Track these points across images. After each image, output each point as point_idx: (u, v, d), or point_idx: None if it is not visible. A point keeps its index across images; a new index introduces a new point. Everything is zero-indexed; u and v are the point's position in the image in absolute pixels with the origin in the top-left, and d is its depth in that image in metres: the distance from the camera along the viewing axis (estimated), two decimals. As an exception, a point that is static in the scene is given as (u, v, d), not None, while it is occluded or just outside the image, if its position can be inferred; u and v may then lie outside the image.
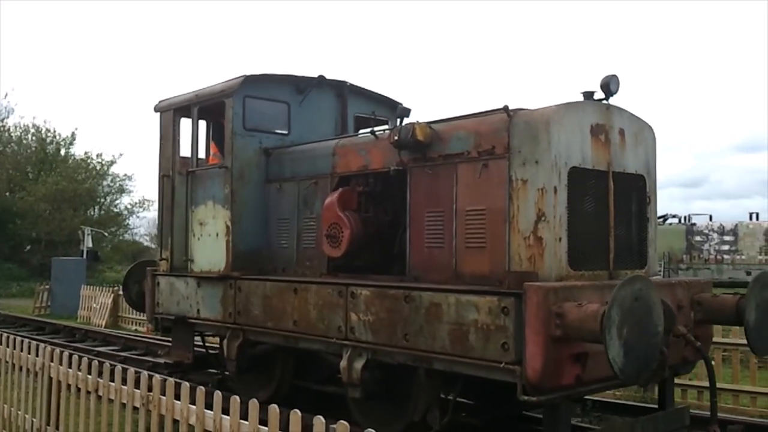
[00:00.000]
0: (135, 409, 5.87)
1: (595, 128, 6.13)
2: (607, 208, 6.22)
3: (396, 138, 6.73)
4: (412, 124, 6.64)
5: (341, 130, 9.26)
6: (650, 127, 6.74)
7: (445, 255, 6.46)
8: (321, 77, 8.94)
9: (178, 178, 9.48)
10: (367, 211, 7.44)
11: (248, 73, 8.40)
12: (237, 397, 4.73)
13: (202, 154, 9.66)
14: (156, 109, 9.74)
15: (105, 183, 43.69)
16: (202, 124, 9.95)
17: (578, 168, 5.96)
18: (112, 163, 43.18)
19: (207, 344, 9.91)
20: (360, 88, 9.44)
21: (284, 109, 8.88)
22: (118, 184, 44.09)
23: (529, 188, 5.85)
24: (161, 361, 9.18)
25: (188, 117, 9.53)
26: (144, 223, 56.31)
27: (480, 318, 5.58)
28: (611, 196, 6.24)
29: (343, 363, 6.71)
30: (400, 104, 9.82)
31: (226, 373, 9.19)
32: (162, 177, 9.47)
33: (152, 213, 45.08)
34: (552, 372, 5.23)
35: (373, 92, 9.61)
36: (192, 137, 9.08)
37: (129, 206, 44.52)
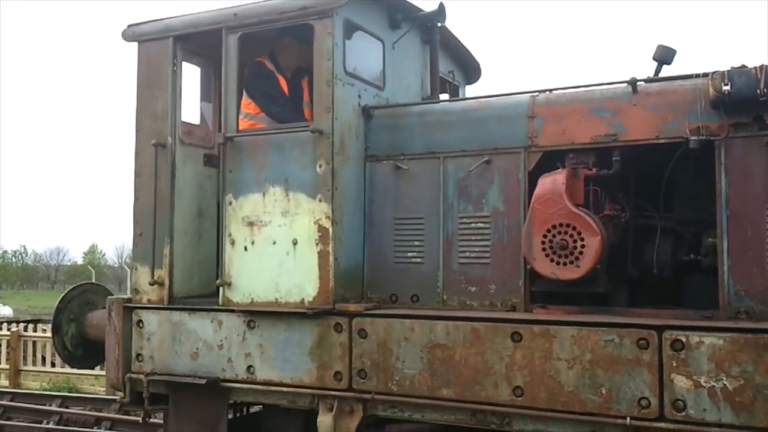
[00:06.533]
0: None
1: None
2: None
3: (726, 88, 4.19)
4: (761, 67, 4.15)
5: (429, 92, 6.35)
6: None
7: (820, 277, 4.08)
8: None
9: (182, 151, 5.84)
10: (602, 207, 4.76)
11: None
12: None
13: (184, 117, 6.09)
14: (131, 37, 5.95)
15: None
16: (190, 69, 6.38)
17: None
18: None
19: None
20: (451, 34, 6.59)
21: (378, 51, 5.76)
22: None
23: None
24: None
25: (198, 53, 5.98)
26: None
27: None
28: None
29: (656, 460, 3.99)
30: (478, 65, 7.16)
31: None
32: (155, 146, 5.71)
33: None
34: None
35: (462, 45, 6.80)
36: (224, 83, 5.50)
37: None
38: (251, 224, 5.31)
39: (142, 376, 5.66)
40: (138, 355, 5.71)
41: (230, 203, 5.40)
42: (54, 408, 10.57)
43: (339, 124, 5.13)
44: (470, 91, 7.30)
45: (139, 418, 9.47)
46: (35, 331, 14.33)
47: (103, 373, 12.25)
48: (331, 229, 5.02)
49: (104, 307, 6.12)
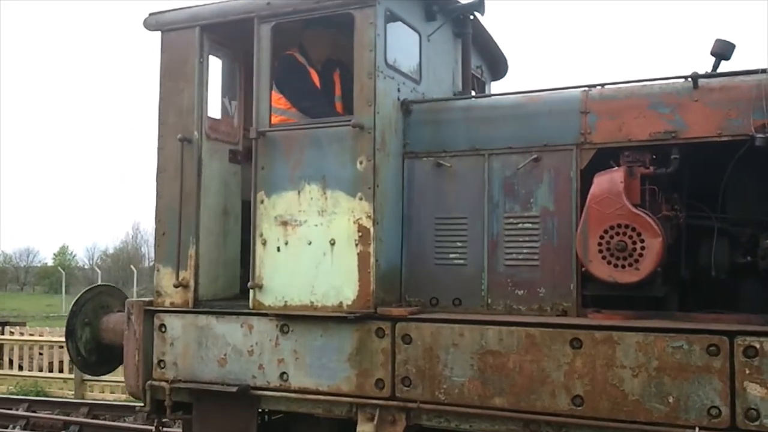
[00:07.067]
0: None
1: None
2: None
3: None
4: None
5: (462, 87, 6.14)
6: None
7: None
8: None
9: (209, 146, 5.57)
10: (659, 207, 4.57)
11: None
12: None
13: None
14: (154, 26, 5.67)
15: None
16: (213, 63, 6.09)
17: None
18: None
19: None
20: (482, 27, 6.37)
21: (415, 43, 5.54)
22: None
23: None
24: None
25: (223, 45, 5.72)
26: None
27: None
28: None
29: (731, 474, 3.79)
30: (505, 60, 6.97)
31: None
32: (180, 141, 5.44)
33: None
34: None
35: (491, 39, 6.59)
36: (257, 76, 5.25)
37: None
38: (285, 223, 5.05)
39: (164, 384, 5.37)
40: (160, 361, 5.42)
41: (262, 201, 5.13)
42: (21, 412, 10.27)
43: (380, 119, 4.89)
44: (495, 87, 7.11)
45: (108, 422, 9.45)
46: (2, 333, 13.88)
47: (72, 376, 12.02)
48: (372, 230, 4.78)
49: (120, 311, 5.85)
